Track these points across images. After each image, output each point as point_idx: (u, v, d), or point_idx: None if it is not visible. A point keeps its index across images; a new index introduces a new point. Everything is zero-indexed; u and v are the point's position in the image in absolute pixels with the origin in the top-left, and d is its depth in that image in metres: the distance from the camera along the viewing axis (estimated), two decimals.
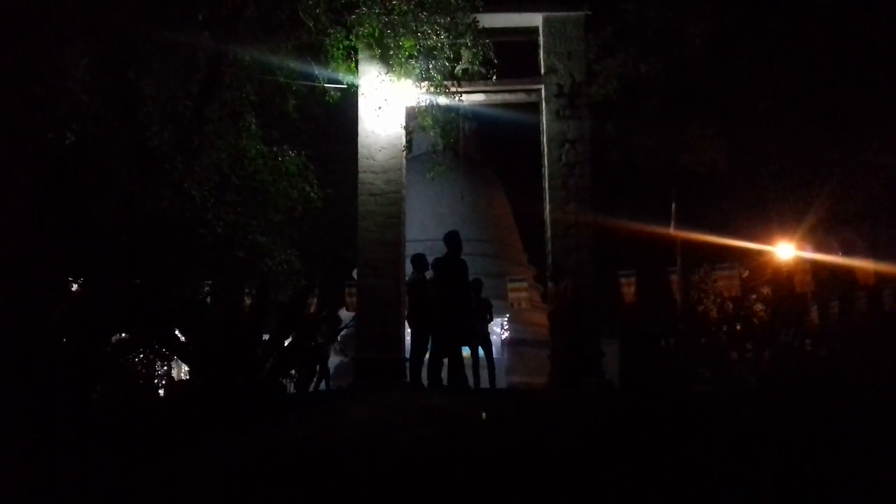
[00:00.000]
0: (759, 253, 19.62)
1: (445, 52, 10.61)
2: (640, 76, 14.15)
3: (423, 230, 18.11)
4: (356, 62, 11.33)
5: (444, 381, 9.07)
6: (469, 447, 4.79)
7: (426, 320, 9.34)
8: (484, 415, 5.78)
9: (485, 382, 10.81)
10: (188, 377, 8.64)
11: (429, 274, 9.56)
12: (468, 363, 9.79)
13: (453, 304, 9.06)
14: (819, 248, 18.81)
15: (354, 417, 5.71)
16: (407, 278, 10.55)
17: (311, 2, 10.29)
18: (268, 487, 4.28)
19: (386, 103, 10.98)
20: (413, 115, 11.82)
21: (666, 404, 7.62)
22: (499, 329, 17.70)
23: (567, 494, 4.14)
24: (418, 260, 9.83)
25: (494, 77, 11.37)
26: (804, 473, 4.79)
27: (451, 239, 9.29)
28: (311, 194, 11.42)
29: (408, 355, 10.12)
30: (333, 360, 17.60)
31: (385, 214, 11.25)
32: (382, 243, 11.16)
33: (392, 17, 10.24)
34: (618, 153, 16.13)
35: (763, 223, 18.81)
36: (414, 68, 10.69)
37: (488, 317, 11.37)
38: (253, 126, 11.04)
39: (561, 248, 11.06)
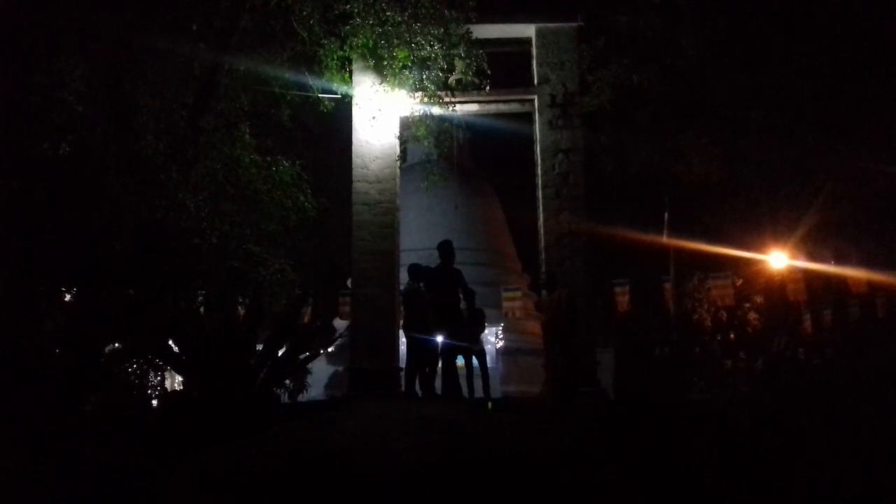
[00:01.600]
0: (753, 262, 19.71)
1: (439, 63, 10.68)
2: (632, 86, 14.24)
3: (417, 239, 18.13)
4: (350, 72, 11.39)
5: (438, 391, 9.08)
6: (464, 456, 4.80)
7: (421, 330, 9.36)
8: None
9: (479, 392, 10.81)
10: (182, 387, 8.61)
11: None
12: (462, 373, 9.78)
13: (447, 312, 9.08)
14: (812, 256, 18.90)
15: (349, 427, 5.71)
16: (402, 288, 10.56)
17: (305, 13, 10.36)
18: (262, 497, 4.28)
19: (380, 113, 11.03)
20: (407, 125, 11.87)
21: (661, 412, 7.63)
22: (493, 338, 17.70)
23: (560, 501, 4.15)
24: (414, 270, 9.85)
25: (488, 87, 11.45)
26: (797, 481, 4.81)
27: (444, 248, 9.33)
28: (306, 204, 11.45)
29: (402, 365, 10.11)
30: (328, 370, 17.58)
31: (379, 224, 11.27)
32: (376, 253, 11.17)
33: (386, 27, 10.30)
34: (611, 162, 16.20)
35: (756, 232, 18.90)
36: (408, 79, 10.75)
37: (481, 327, 11.36)
38: (247, 136, 11.07)
39: (555, 257, 11.10)
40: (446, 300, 9.17)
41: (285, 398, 10.46)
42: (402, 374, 10.01)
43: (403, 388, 9.79)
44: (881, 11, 14.64)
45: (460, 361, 9.78)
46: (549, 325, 10.16)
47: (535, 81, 11.76)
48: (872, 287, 17.88)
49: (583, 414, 7.43)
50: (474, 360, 10.68)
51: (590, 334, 11.16)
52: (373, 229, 11.26)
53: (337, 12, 10.66)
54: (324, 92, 11.56)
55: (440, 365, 9.37)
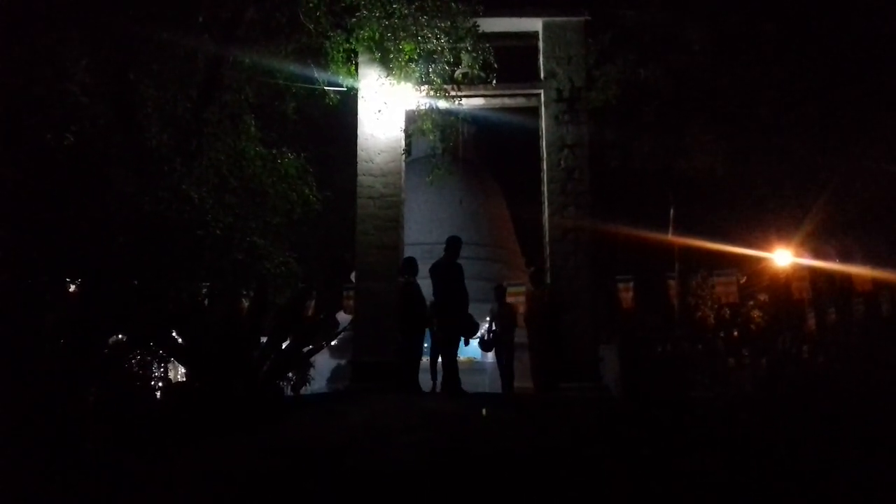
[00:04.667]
0: (757, 259, 19.67)
1: (445, 56, 10.62)
2: (639, 81, 14.19)
3: (421, 234, 18.14)
4: (356, 65, 11.34)
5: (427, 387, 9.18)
6: (466, 451, 4.79)
7: (416, 324, 9.43)
8: (484, 411, 5.83)
9: (494, 388, 10.85)
10: (185, 379, 8.61)
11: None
12: (463, 368, 9.77)
13: (447, 306, 9.10)
14: (816, 254, 18.85)
15: (352, 421, 5.71)
16: (398, 281, 10.56)
17: (311, 5, 10.30)
18: (266, 491, 4.27)
19: (385, 106, 10.99)
20: (413, 119, 11.81)
21: (663, 409, 7.62)
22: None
23: (563, 497, 4.13)
24: (409, 263, 9.86)
25: (494, 81, 11.38)
26: (800, 478, 4.79)
27: (449, 243, 9.36)
28: (310, 197, 11.40)
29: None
30: (331, 363, 17.60)
31: (384, 218, 11.23)
32: (381, 247, 11.14)
33: (392, 20, 10.24)
34: (617, 158, 16.17)
35: (761, 229, 18.85)
36: (414, 72, 10.70)
37: (513, 321, 11.42)
38: (252, 128, 11.03)
39: (559, 253, 11.05)
40: (446, 293, 9.17)
41: (288, 391, 10.41)
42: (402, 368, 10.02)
43: (404, 382, 9.79)
44: (887, 10, 14.56)
45: (462, 356, 9.79)
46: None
47: (542, 76, 11.70)
48: (877, 285, 17.82)
49: (585, 409, 7.41)
50: (489, 356, 10.68)
51: (593, 330, 11.12)
52: (377, 223, 11.22)
53: (343, 4, 10.59)
54: (329, 85, 11.50)
55: (440, 359, 9.40)
